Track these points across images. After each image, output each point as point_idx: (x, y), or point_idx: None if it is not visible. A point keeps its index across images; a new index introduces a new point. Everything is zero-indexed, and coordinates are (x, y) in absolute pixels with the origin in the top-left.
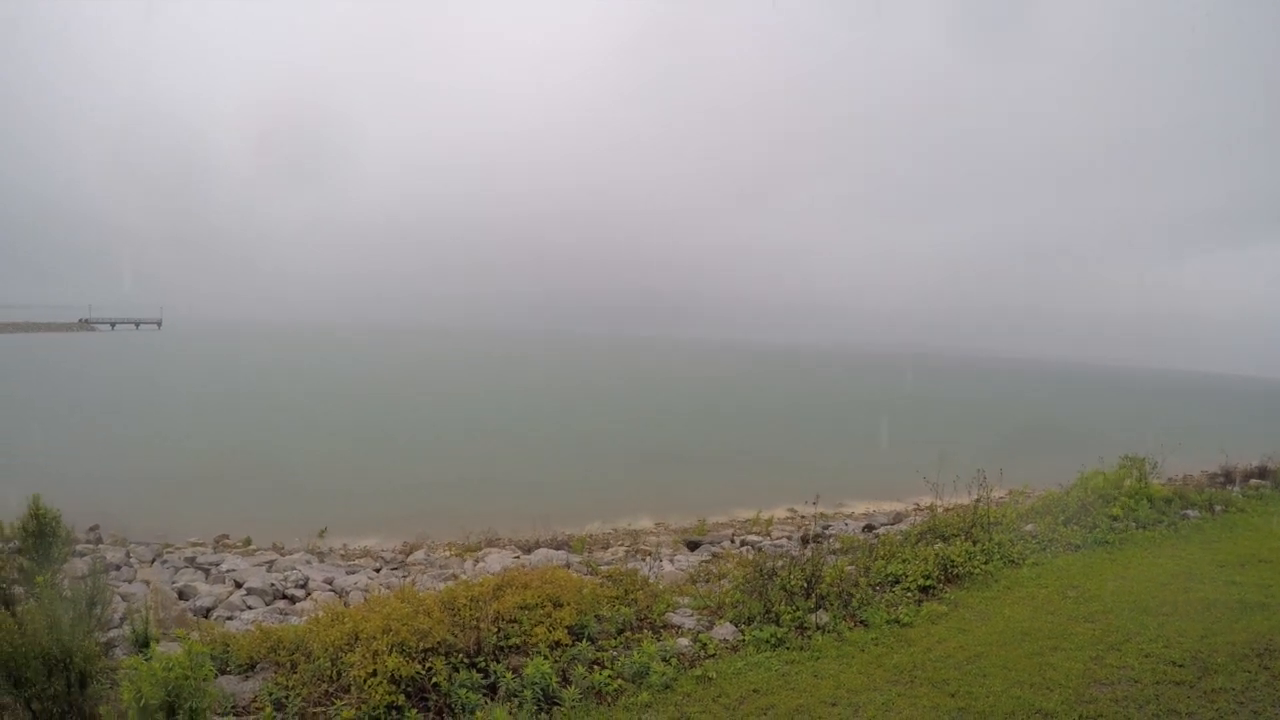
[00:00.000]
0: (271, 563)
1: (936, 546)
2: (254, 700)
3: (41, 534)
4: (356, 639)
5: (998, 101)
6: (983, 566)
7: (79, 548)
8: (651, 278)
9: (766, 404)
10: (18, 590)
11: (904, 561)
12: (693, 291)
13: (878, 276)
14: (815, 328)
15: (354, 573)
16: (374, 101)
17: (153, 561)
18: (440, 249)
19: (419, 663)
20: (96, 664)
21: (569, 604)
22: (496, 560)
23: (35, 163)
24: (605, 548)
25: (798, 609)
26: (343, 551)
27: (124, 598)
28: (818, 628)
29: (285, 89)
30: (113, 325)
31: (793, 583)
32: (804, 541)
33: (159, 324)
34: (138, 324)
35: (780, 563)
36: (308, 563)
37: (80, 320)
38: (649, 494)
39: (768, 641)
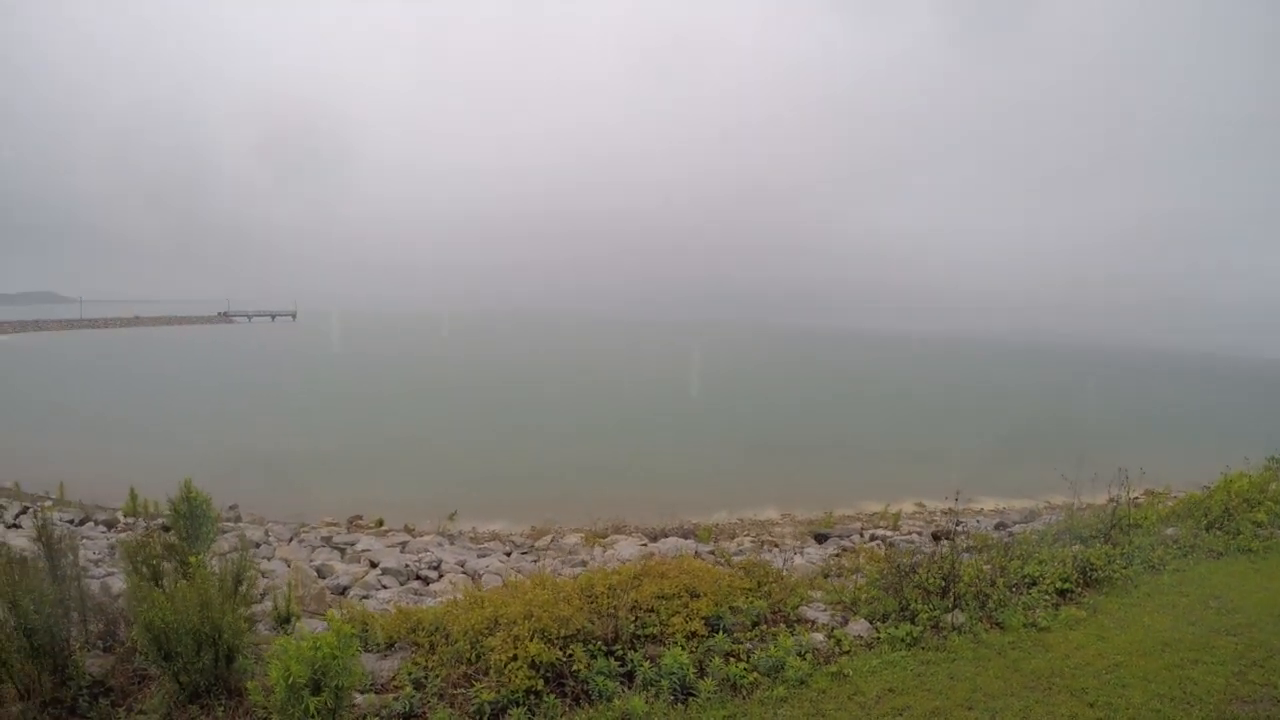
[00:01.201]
0: (404, 544)
1: (1075, 548)
2: (393, 679)
3: (192, 515)
4: (497, 623)
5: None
6: (1122, 571)
7: (219, 525)
8: (787, 264)
9: (893, 394)
10: (166, 565)
11: (1041, 563)
12: (830, 279)
13: (1012, 261)
14: (947, 315)
15: (485, 556)
16: (495, 105)
17: (290, 540)
18: (579, 240)
19: (559, 649)
20: (243, 640)
21: (705, 595)
22: (625, 548)
23: (178, 172)
24: (731, 538)
25: (933, 608)
26: (472, 535)
27: (263, 574)
28: (953, 628)
29: (397, 97)
30: (249, 317)
31: (930, 581)
32: (935, 538)
33: (294, 315)
34: (273, 316)
35: (915, 559)
36: (439, 545)
37: (220, 313)
38: (775, 484)
39: (903, 640)
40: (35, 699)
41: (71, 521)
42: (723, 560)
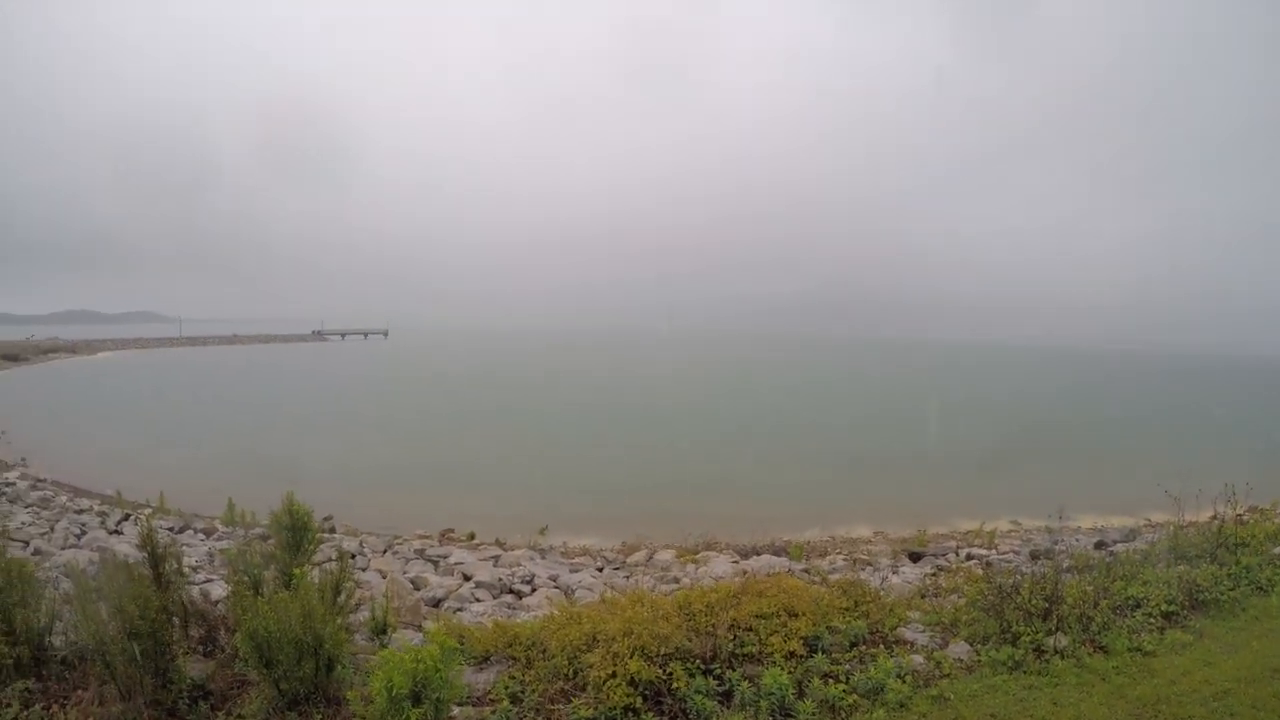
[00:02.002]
0: (497, 558)
1: (1179, 569)
2: (489, 692)
3: (294, 528)
4: (595, 640)
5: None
6: (1229, 593)
7: (318, 537)
8: (861, 273)
9: (983, 408)
10: (266, 574)
11: (1145, 584)
12: (900, 286)
13: (1097, 267)
14: (1028, 324)
15: (577, 571)
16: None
17: (384, 552)
18: (664, 257)
19: (658, 667)
20: (343, 650)
21: (804, 615)
22: (718, 565)
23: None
24: (823, 555)
25: (1035, 630)
26: (563, 549)
27: (358, 584)
28: (1056, 651)
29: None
30: (343, 336)
31: (1032, 603)
32: (1033, 557)
33: (385, 334)
34: (366, 334)
35: (1016, 580)
36: (531, 559)
37: (314, 332)
38: (866, 500)
39: (1004, 664)
40: (136, 700)
41: (171, 529)
42: (818, 579)
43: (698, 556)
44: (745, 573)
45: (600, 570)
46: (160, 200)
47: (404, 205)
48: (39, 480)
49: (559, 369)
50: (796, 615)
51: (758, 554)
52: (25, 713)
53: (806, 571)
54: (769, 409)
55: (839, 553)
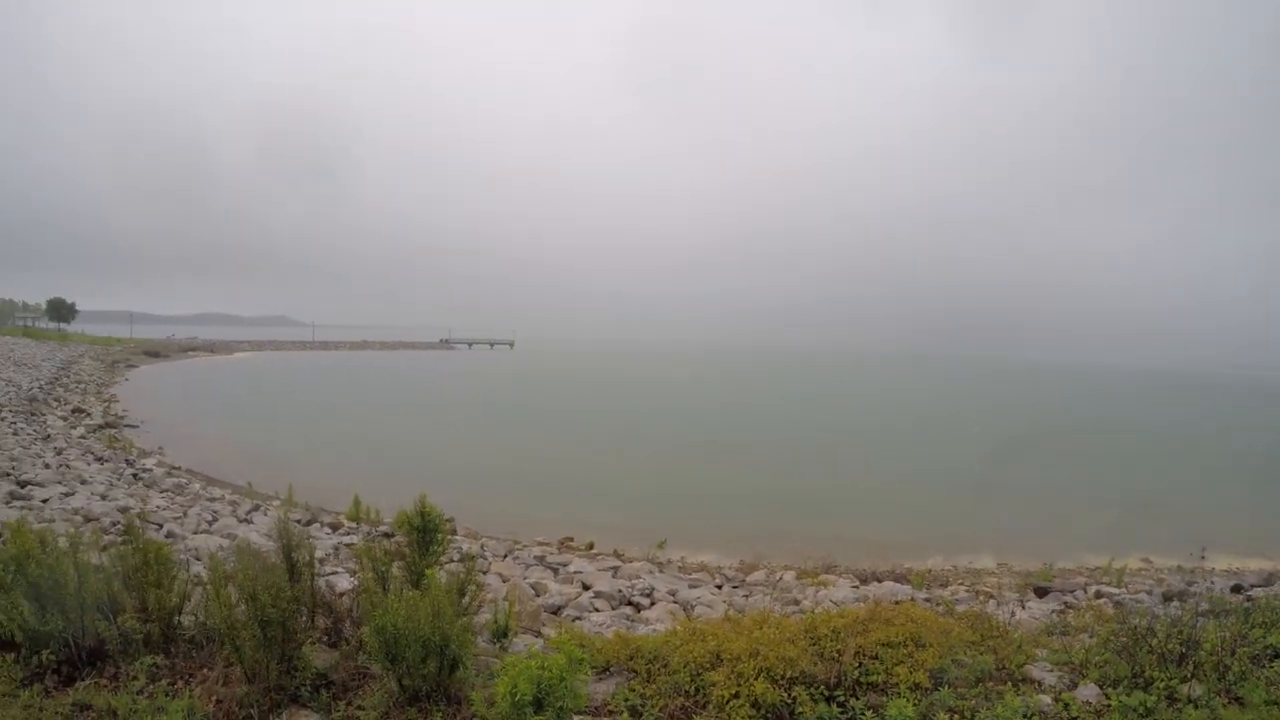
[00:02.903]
0: (615, 569)
1: None
2: (607, 703)
3: (424, 529)
4: (719, 658)
5: None
6: None
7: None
8: (996, 292)
9: (1115, 437)
10: (394, 572)
11: None
12: (1036, 305)
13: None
14: (1163, 343)
15: (696, 587)
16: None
17: (505, 557)
18: (786, 271)
19: (783, 690)
20: (467, 651)
21: (931, 646)
22: (839, 590)
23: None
24: (944, 585)
25: (1170, 676)
26: (680, 564)
27: (478, 587)
28: (1189, 700)
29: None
30: (469, 345)
31: (1169, 647)
32: (1165, 599)
33: (511, 344)
34: (492, 344)
35: (1150, 621)
36: (650, 572)
37: (441, 340)
38: (990, 530)
39: (1136, 710)
40: (260, 684)
41: (299, 521)
42: (945, 609)
43: (818, 578)
44: (866, 598)
45: (719, 587)
46: (296, 209)
47: (536, 218)
48: (174, 468)
49: (682, 383)
50: (923, 646)
51: (878, 580)
52: (152, 686)
53: (929, 600)
54: (894, 431)
55: (961, 583)
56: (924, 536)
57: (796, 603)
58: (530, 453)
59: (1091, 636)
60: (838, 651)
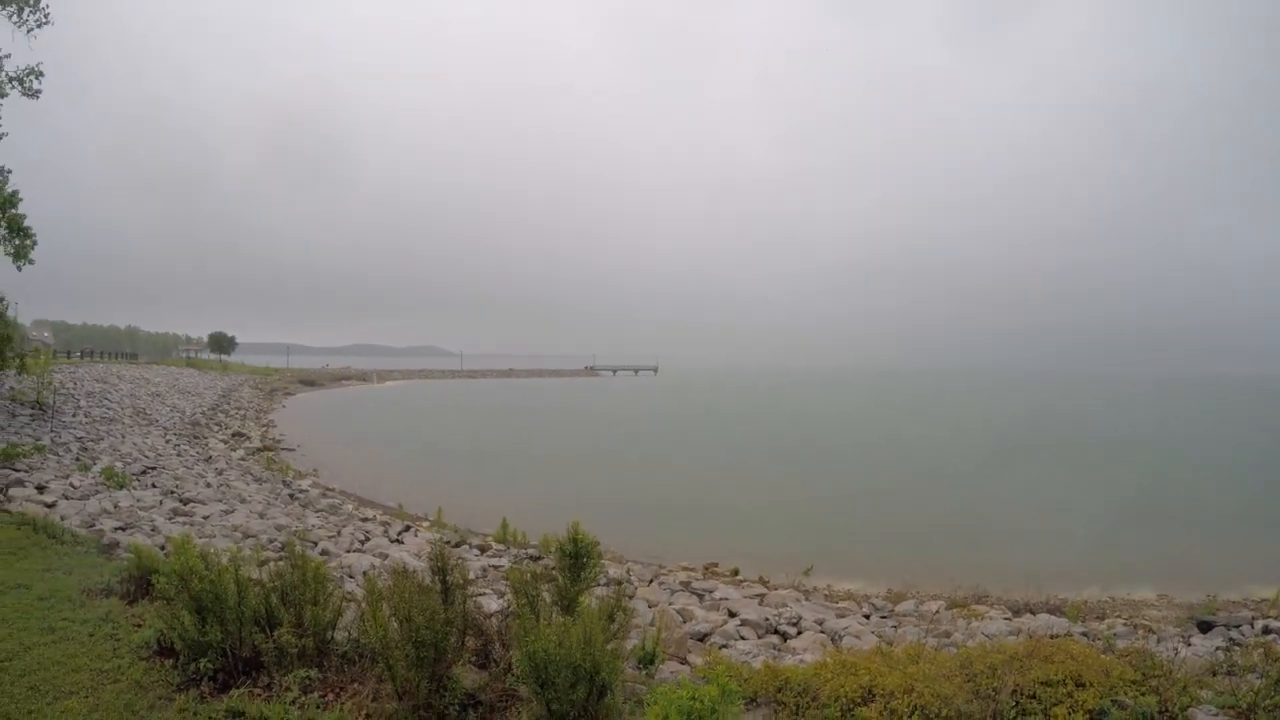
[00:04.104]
0: (761, 596)
1: None
2: None
3: (576, 555)
4: (871, 693)
5: None
6: None
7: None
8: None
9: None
10: (544, 597)
11: None
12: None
13: None
14: None
15: (843, 616)
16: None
17: (650, 582)
18: (919, 284)
19: None
20: (616, 678)
21: (1091, 685)
22: (992, 623)
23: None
24: (1100, 618)
25: None
26: (826, 592)
27: (627, 613)
28: None
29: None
30: (614, 372)
31: None
32: None
33: (655, 370)
34: (636, 371)
35: None
36: (797, 600)
37: (586, 368)
38: (1150, 559)
39: None
40: (409, 701)
41: (448, 543)
42: (1105, 645)
43: (968, 610)
44: (1019, 631)
45: (867, 617)
46: (431, 249)
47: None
48: (328, 489)
49: (828, 407)
50: (1083, 685)
51: (1031, 611)
52: (304, 698)
53: (1085, 635)
54: (1050, 456)
55: (1119, 616)
56: (1079, 565)
57: (947, 635)
58: (673, 477)
59: (1260, 677)
60: (994, 690)
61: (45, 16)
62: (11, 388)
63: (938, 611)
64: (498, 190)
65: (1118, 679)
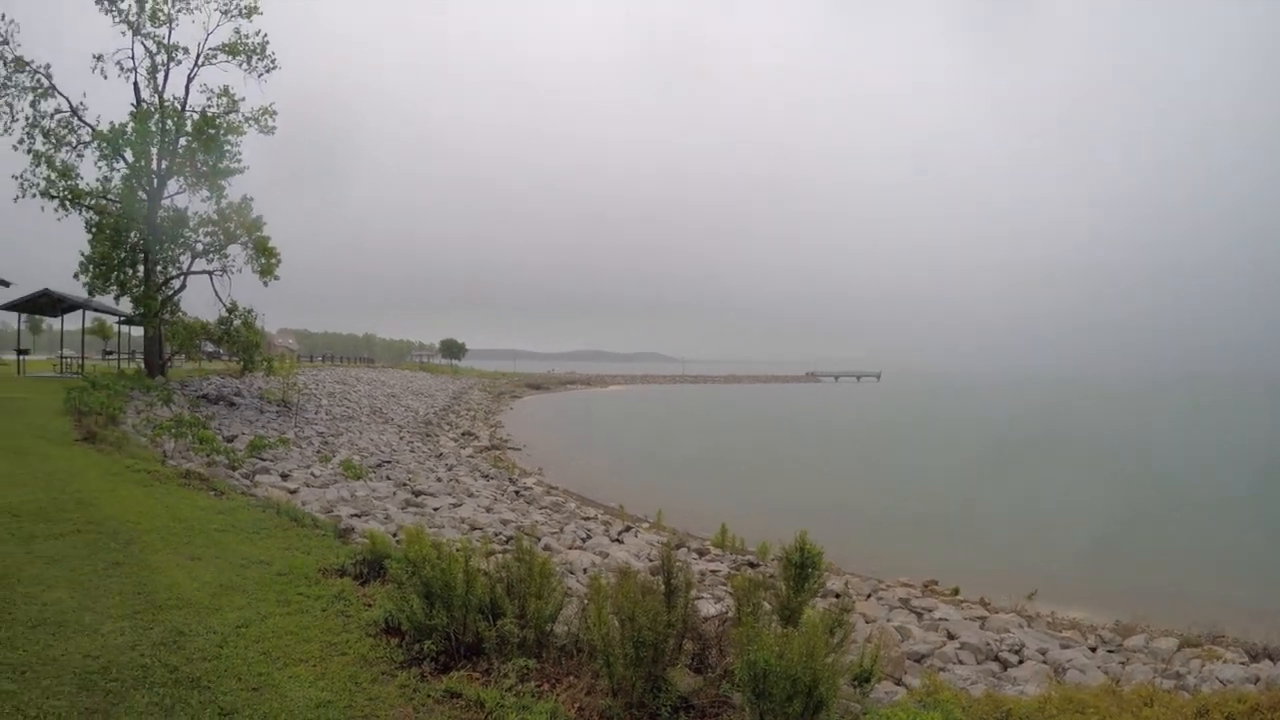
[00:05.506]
0: (982, 620)
1: None
2: None
3: (802, 564)
4: None
5: None
6: None
7: (822, 578)
8: None
9: None
10: (765, 605)
11: None
12: None
13: None
14: None
15: (1068, 647)
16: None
17: (868, 596)
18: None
19: None
20: (834, 694)
21: None
22: (1229, 668)
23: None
24: None
25: None
26: (1049, 619)
27: (847, 627)
28: None
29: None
30: (836, 378)
31: None
32: None
33: (878, 376)
34: (859, 377)
35: None
36: (1020, 626)
37: (807, 373)
38: None
39: None
40: (623, 699)
41: (666, 545)
42: None
43: (1202, 649)
44: (1257, 679)
45: (1093, 650)
46: (661, 258)
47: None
48: (552, 487)
49: (1065, 415)
50: None
51: (1270, 657)
52: (520, 686)
53: None
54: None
55: None
56: None
57: (1178, 676)
58: (893, 487)
59: None
60: None
61: (273, 62)
62: (260, 388)
63: (1179, 649)
64: (720, 204)
65: None
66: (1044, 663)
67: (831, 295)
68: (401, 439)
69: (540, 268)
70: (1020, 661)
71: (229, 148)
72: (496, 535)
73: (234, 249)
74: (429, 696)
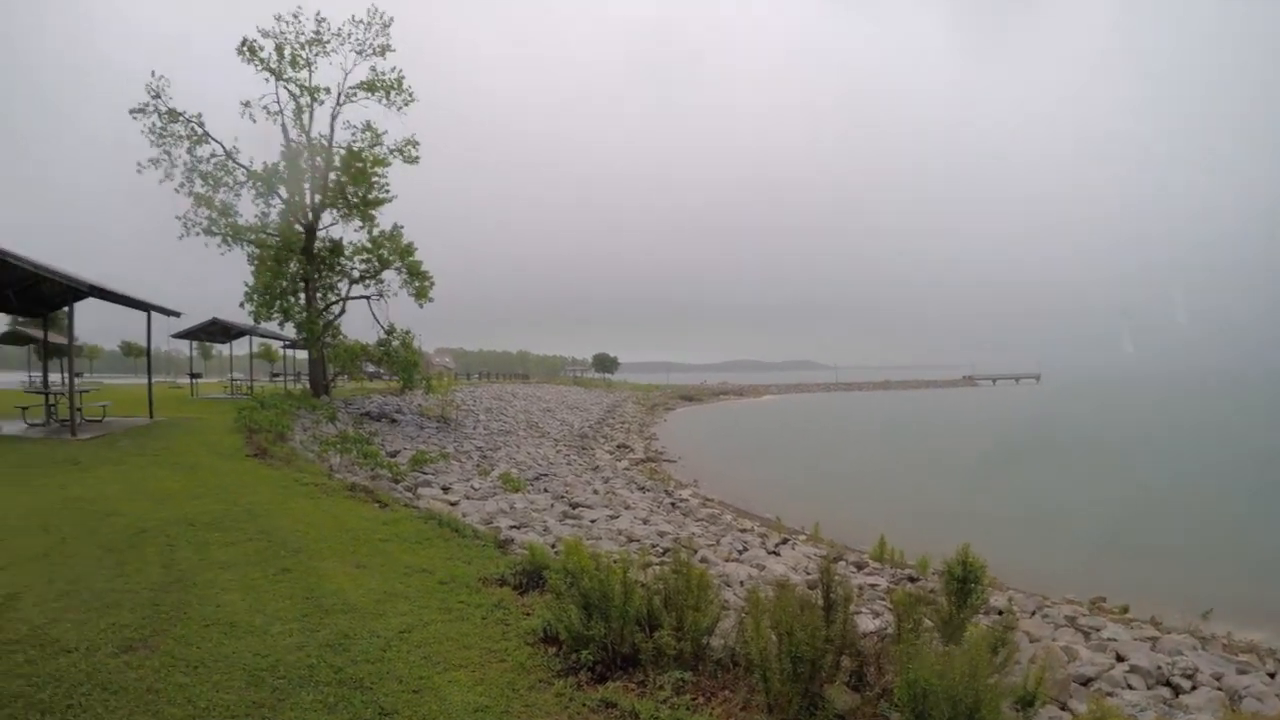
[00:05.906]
0: (1153, 640)
1: None
2: None
3: (964, 579)
4: None
5: None
6: None
7: (985, 594)
8: None
9: None
10: (926, 621)
11: None
12: None
13: None
14: None
15: (1244, 673)
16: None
17: (1032, 614)
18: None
19: None
20: (996, 717)
21: None
22: None
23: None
24: None
25: None
26: (1225, 641)
27: (1011, 646)
28: None
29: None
30: (993, 381)
31: None
32: None
33: (1037, 378)
34: (1017, 379)
35: None
36: (1193, 648)
37: (964, 377)
38: None
39: None
40: (779, 715)
41: (825, 558)
42: None
43: None
44: None
45: (1272, 676)
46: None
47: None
48: (708, 499)
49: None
50: None
51: None
52: (675, 698)
53: None
54: None
55: None
56: None
57: None
58: (1059, 497)
59: None
60: None
61: (410, 96)
62: (420, 405)
63: None
64: (859, 212)
65: None
66: (1219, 689)
67: (994, 300)
68: (558, 452)
69: (686, 281)
70: (1193, 687)
71: (376, 179)
72: (653, 547)
73: (388, 274)
74: (584, 705)
